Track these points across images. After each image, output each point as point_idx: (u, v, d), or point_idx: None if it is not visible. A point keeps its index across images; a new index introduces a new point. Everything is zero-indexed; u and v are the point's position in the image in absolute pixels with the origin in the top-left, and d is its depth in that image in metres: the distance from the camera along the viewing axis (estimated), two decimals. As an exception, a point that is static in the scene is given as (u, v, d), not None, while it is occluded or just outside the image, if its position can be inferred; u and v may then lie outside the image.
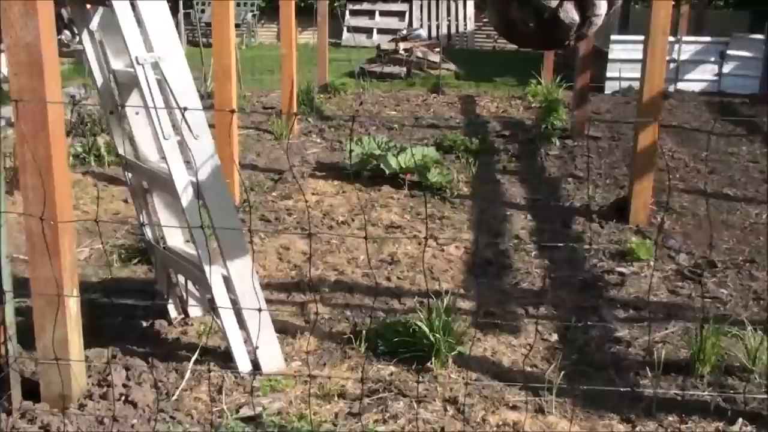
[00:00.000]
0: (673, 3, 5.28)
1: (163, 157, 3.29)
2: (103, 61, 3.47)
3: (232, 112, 2.67)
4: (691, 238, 5.54)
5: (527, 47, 2.87)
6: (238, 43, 18.11)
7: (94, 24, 3.30)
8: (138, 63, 3.06)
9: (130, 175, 3.75)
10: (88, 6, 3.34)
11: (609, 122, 9.01)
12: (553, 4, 2.53)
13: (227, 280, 3.45)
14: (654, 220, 5.81)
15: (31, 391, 3.26)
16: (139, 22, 3.10)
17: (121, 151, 3.69)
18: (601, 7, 2.58)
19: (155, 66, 3.10)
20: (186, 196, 3.27)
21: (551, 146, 8.04)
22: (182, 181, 3.26)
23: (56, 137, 2.95)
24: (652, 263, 5.03)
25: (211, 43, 14.13)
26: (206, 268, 3.36)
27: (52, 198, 2.97)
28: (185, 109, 2.90)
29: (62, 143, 3.02)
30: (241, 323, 3.53)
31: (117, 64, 3.40)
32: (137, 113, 3.53)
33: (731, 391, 3.49)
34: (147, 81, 3.09)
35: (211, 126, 8.04)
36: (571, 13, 2.55)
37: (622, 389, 3.47)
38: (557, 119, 8.53)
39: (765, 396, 3.44)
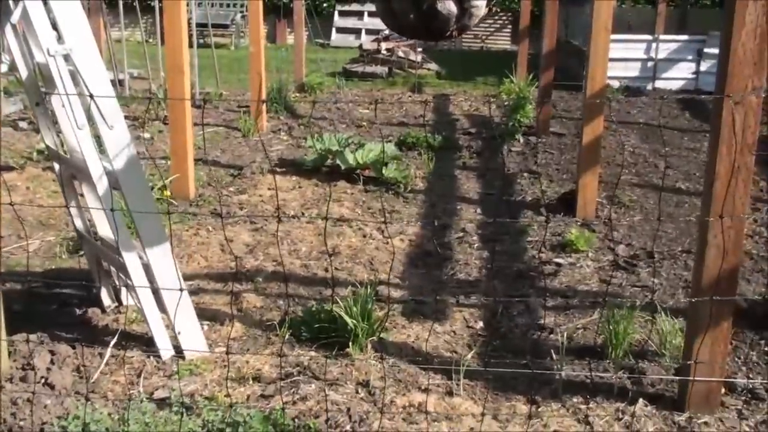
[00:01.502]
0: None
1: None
2: (27, 55, 3.57)
3: (207, 106, 2.72)
4: (635, 230, 5.62)
5: (412, 37, 2.98)
6: (227, 44, 18.29)
7: (16, 17, 3.40)
8: (49, 55, 3.17)
9: (57, 166, 3.85)
10: (10, 0, 3.44)
11: (569, 119, 9.09)
12: None
13: (147, 267, 3.55)
14: (601, 213, 5.90)
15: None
16: (52, 14, 3.20)
17: (48, 142, 3.80)
18: (477, -1, 2.69)
19: (67, 58, 3.21)
20: (101, 186, 3.38)
21: (514, 143, 8.14)
22: (97, 170, 3.36)
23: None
24: (590, 254, 5.13)
25: (203, 44, 14.19)
26: (124, 254, 3.47)
27: (-35, 185, 3.08)
28: (93, 96, 3.00)
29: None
30: (163, 308, 3.63)
31: (40, 56, 3.50)
32: (63, 105, 3.62)
33: (637, 374, 3.58)
34: (59, 72, 3.19)
35: (165, 123, 8.17)
36: (448, 5, 2.66)
37: (528, 371, 3.56)
38: (524, 116, 8.62)
39: (670, 377, 3.53)
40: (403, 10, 2.68)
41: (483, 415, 3.18)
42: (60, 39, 3.23)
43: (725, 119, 2.93)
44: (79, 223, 4.04)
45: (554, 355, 3.79)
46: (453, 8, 2.66)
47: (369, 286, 4.04)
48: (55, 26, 3.27)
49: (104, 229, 3.94)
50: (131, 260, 3.51)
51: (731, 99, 2.81)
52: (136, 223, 3.47)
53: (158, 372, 3.58)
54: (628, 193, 6.46)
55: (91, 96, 3.12)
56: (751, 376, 3.62)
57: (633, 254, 5.13)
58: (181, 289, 3.37)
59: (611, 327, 3.76)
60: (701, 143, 8.28)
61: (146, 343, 3.79)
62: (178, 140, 5.92)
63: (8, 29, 3.53)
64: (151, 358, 3.66)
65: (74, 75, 3.27)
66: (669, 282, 4.71)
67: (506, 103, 10.23)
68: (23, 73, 3.62)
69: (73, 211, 3.99)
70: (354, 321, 3.76)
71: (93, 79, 3.24)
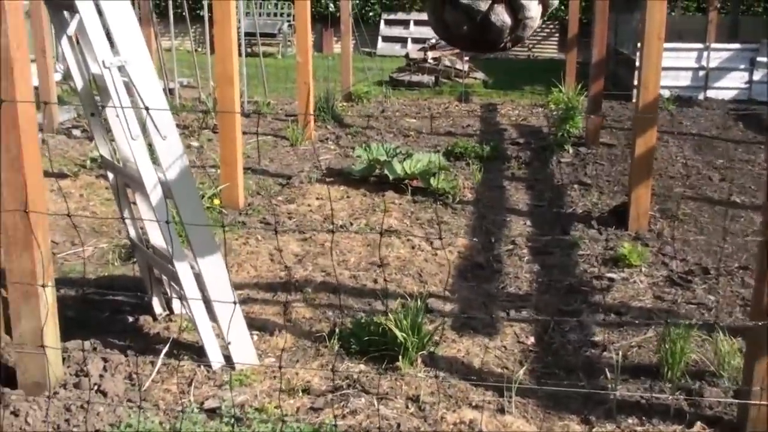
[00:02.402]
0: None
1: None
2: (83, 66, 3.62)
3: (256, 115, 2.73)
4: (689, 245, 5.50)
5: (463, 49, 2.94)
6: (274, 53, 18.41)
7: (72, 29, 3.44)
8: (105, 66, 3.20)
9: (111, 175, 3.89)
10: (66, 12, 3.49)
11: (619, 129, 8.95)
12: (484, 6, 2.59)
13: (198, 277, 3.56)
14: (654, 227, 5.79)
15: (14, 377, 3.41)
16: (107, 27, 3.24)
17: (103, 152, 3.84)
18: (532, 9, 2.64)
19: (122, 69, 3.24)
20: (155, 195, 3.40)
21: (564, 153, 8.04)
22: (151, 180, 3.38)
23: (27, 135, 3.10)
24: (644, 269, 5.03)
25: (251, 53, 14.25)
26: (177, 264, 3.48)
27: (24, 193, 3.12)
28: (148, 108, 3.02)
29: (34, 141, 3.16)
30: (213, 318, 3.64)
31: (95, 68, 3.54)
32: (117, 115, 3.66)
33: (694, 396, 3.48)
34: (114, 83, 3.22)
35: (214, 132, 8.24)
36: (502, 16, 2.62)
37: (583, 390, 3.49)
38: (573, 126, 8.52)
39: (729, 400, 3.43)
40: (456, 21, 2.64)
41: (536, 434, 3.12)
42: (115, 51, 3.26)
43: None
44: (132, 232, 4.08)
45: (608, 374, 3.72)
46: (507, 19, 2.61)
47: (419, 299, 4.00)
48: (109, 37, 3.30)
49: (156, 238, 3.97)
50: (183, 270, 3.52)
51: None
52: (188, 233, 3.48)
53: (209, 382, 3.58)
54: (681, 206, 6.33)
55: (146, 108, 3.15)
56: (814, 399, 3.50)
57: (688, 270, 5.02)
58: (234, 302, 3.37)
59: (667, 346, 3.67)
60: (756, 155, 8.08)
61: (197, 352, 3.80)
62: (227, 149, 5.96)
63: (64, 40, 3.58)
64: (202, 367, 3.67)
65: (128, 86, 3.29)
66: (726, 299, 4.59)
67: (554, 113, 10.12)
68: (78, 83, 3.66)
69: (127, 220, 4.02)
70: (404, 335, 3.72)
71: (147, 90, 3.26)
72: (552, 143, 8.35)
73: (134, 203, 4.12)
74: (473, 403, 3.47)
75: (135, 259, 5.04)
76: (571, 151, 8.11)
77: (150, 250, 4.02)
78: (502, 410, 3.42)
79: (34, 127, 3.14)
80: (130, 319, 4.19)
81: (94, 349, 3.78)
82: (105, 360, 3.65)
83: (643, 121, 5.53)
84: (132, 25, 3.24)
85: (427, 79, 13.29)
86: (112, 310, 4.29)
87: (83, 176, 6.81)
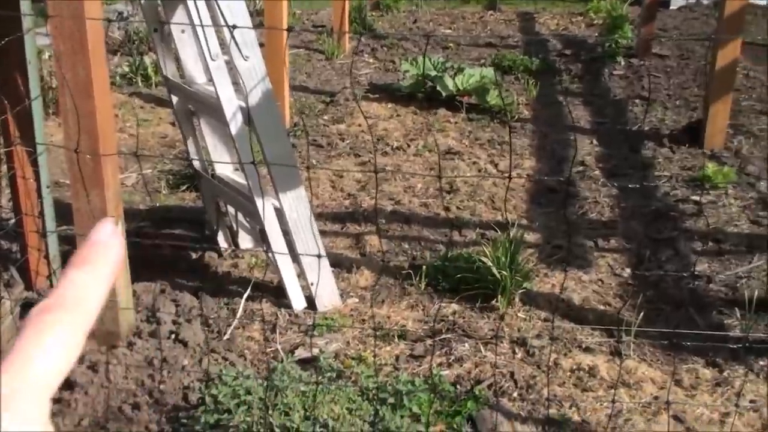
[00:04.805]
0: None
1: (210, 79, 3.04)
2: (143, -25, 3.20)
3: (289, 30, 2.34)
4: (771, 163, 5.15)
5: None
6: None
7: (133, -67, 3.02)
8: (180, -25, 2.79)
9: (175, 98, 3.51)
10: None
11: (682, 39, 8.46)
12: None
13: (279, 212, 3.23)
14: (730, 144, 5.42)
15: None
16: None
17: (165, 72, 3.45)
18: None
19: (199, -21, 2.83)
20: (235, 122, 3.03)
21: (615, 65, 7.58)
22: (231, 105, 3.01)
23: (96, 57, 2.70)
24: (730, 191, 4.69)
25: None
26: (257, 199, 3.14)
27: (93, 125, 2.75)
28: (234, 27, 2.63)
29: (103, 64, 2.77)
30: (294, 257, 3.32)
31: (158, -23, 3.13)
32: (183, 31, 3.27)
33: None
34: (191, -5, 2.82)
35: (261, 45, 7.77)
36: None
37: (707, 332, 3.20)
38: (622, 37, 8.02)
39: None
40: None
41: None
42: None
43: None
44: (196, 161, 3.72)
45: (723, 309, 3.44)
46: None
47: (509, 231, 3.67)
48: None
49: (223, 168, 3.62)
50: (264, 206, 3.18)
51: None
52: (269, 164, 3.13)
53: (292, 327, 3.29)
54: (753, 121, 5.94)
55: (227, 25, 2.75)
56: None
57: (779, 191, 4.69)
58: (318, 241, 3.05)
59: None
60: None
61: (272, 293, 3.50)
62: (274, 68, 5.50)
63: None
64: (282, 310, 3.38)
65: (205, -2, 2.89)
66: (828, 224, 4.27)
67: (596, 22, 9.62)
68: (139, -5, 3.25)
69: (191, 148, 3.66)
70: (502, 271, 3.41)
71: (229, 3, 2.85)
72: (601, 55, 7.88)
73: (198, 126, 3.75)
74: (584, 346, 3.19)
75: (184, 188, 4.72)
76: (622, 63, 7.63)
77: (215, 180, 3.67)
78: (617, 353, 3.14)
79: (102, 48, 2.74)
80: (194, 255, 3.88)
81: (163, 291, 3.47)
82: (177, 304, 3.35)
83: (729, 31, 5.09)
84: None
85: (452, -14, 12.65)
86: (172, 246, 3.96)
87: (115, 95, 6.38)
